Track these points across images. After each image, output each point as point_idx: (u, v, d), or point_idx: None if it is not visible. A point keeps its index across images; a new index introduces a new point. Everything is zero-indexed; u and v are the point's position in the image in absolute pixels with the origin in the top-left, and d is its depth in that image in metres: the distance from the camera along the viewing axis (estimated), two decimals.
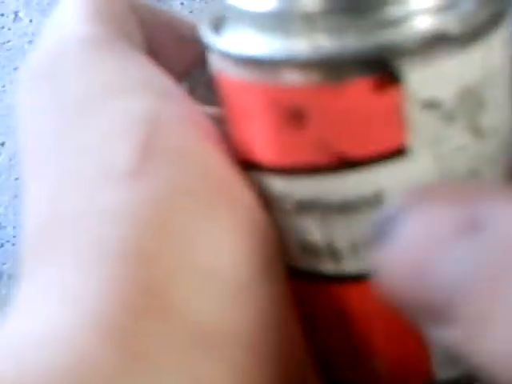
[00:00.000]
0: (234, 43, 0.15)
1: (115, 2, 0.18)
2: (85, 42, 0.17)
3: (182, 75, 0.17)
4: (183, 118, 0.16)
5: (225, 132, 0.17)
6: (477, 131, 0.14)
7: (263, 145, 0.15)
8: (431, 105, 0.14)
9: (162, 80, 0.17)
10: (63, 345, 0.12)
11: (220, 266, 0.14)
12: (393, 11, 0.13)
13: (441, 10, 0.14)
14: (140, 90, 0.16)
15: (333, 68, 0.14)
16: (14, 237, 0.82)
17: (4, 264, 0.81)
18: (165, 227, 0.14)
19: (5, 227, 0.83)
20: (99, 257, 0.13)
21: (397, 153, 0.14)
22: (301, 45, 0.14)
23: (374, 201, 0.15)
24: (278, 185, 0.15)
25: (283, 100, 0.14)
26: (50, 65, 0.17)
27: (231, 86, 0.15)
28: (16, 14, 0.93)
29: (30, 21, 0.93)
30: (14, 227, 0.83)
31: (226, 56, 0.15)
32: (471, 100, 0.14)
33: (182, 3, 0.93)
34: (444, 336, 0.12)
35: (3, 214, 0.84)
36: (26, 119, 0.17)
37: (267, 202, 0.16)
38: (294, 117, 0.14)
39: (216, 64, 0.16)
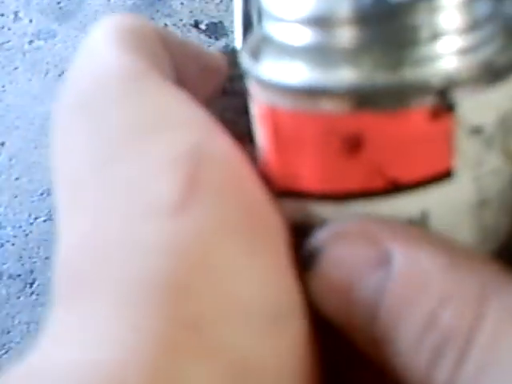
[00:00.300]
0: (283, 73, 0.15)
1: (145, 31, 0.18)
2: (120, 74, 0.16)
3: (204, 104, 0.17)
4: (226, 152, 0.16)
5: (257, 161, 0.17)
6: (509, 154, 0.16)
7: (309, 172, 0.15)
8: (477, 131, 0.15)
9: (201, 113, 0.16)
10: (100, 379, 0.12)
11: (258, 302, 0.14)
12: (445, 45, 0.14)
13: (486, 43, 0.15)
14: (182, 124, 0.16)
15: (393, 97, 0.14)
16: (14, 237, 0.82)
17: (4, 264, 0.81)
18: (206, 263, 0.14)
19: (5, 227, 0.83)
20: (138, 291, 0.13)
21: (444, 176, 0.15)
22: (359, 74, 0.14)
23: (419, 221, 0.15)
24: (323, 211, 0.16)
25: (338, 128, 0.15)
26: (87, 98, 0.16)
27: (276, 116, 0.15)
28: (16, 14, 0.94)
29: (30, 21, 0.93)
30: (14, 227, 0.83)
31: (272, 86, 0.15)
32: (506, 125, 0.15)
33: (181, 3, 0.93)
34: (363, 341, 0.15)
35: (3, 214, 0.84)
36: (64, 153, 0.16)
37: (308, 229, 0.16)
38: (349, 144, 0.15)
39: (258, 94, 0.16)
